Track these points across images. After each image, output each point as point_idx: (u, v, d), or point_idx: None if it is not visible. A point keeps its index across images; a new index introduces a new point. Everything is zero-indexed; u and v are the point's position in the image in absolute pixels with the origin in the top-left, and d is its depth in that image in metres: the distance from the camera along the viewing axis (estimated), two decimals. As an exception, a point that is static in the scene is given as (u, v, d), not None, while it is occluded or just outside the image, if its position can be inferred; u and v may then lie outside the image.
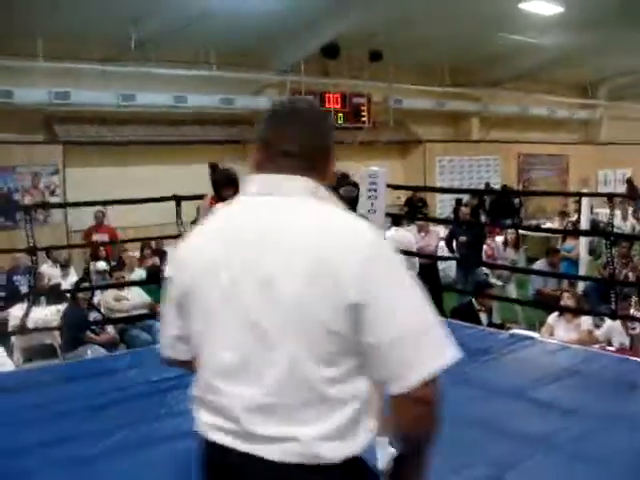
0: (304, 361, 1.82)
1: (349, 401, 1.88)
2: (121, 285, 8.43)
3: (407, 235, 9.68)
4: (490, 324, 8.32)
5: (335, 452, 1.86)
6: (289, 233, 1.87)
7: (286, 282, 1.82)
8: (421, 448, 1.98)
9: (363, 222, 1.96)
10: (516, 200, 16.64)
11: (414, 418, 1.88)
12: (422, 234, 10.49)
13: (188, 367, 2.14)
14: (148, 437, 4.56)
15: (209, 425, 1.99)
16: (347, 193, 5.53)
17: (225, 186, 5.54)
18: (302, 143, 2.00)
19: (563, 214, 15.30)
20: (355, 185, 6.07)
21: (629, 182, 20.63)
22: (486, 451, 4.22)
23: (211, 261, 1.94)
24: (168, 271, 2.13)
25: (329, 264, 1.81)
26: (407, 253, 8.81)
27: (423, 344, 1.86)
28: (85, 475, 4.04)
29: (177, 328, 2.11)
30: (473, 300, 8.63)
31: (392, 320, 1.83)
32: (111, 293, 8.52)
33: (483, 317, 8.40)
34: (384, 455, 2.32)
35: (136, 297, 8.57)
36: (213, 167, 6.46)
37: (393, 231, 9.53)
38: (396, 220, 10.02)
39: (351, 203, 5.50)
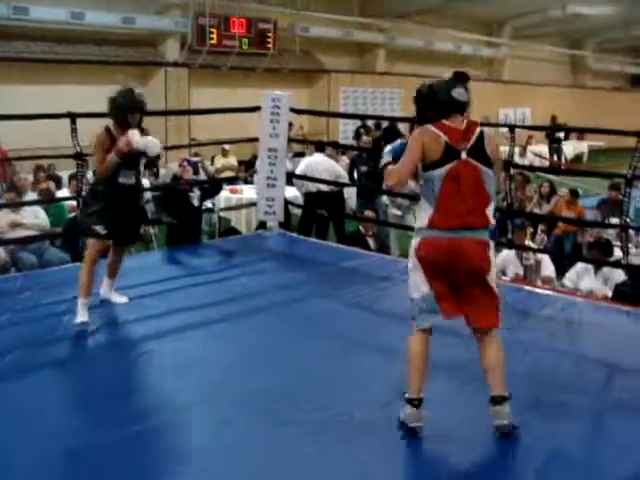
0: None
1: None
2: (11, 205, 8.00)
3: (330, 161, 9.58)
4: (378, 249, 8.47)
5: None
6: None
7: None
8: None
9: None
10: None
11: None
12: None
13: None
14: (43, 360, 4.43)
15: None
16: None
17: (134, 111, 4.93)
18: None
19: None
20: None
21: (553, 119, 21.10)
22: (386, 375, 4.25)
23: None
24: None
25: None
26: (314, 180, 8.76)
27: None
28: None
29: None
30: (360, 226, 8.85)
31: None
32: (5, 218, 8.05)
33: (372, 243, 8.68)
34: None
35: (32, 220, 8.14)
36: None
37: (318, 156, 9.43)
38: (321, 146, 9.87)
39: None
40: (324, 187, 8.97)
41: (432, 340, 3.63)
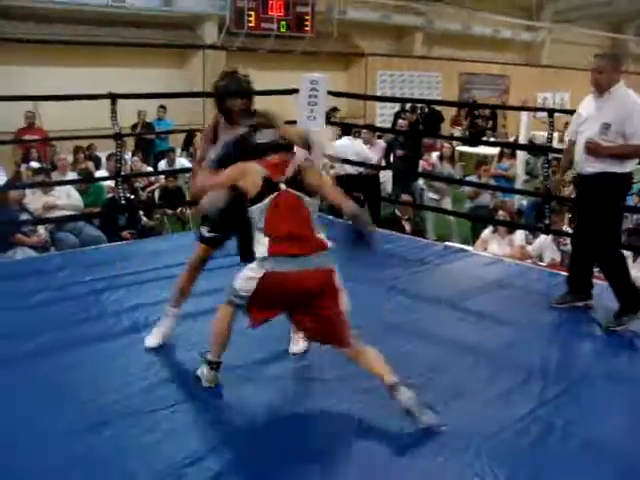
0: None
1: None
2: (51, 184, 8.12)
3: (359, 144, 9.56)
4: (414, 232, 8.52)
5: None
6: None
7: None
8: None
9: None
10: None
11: None
12: (368, 145, 10.34)
13: None
14: (79, 337, 4.50)
15: None
16: None
17: (234, 94, 4.17)
18: None
19: None
20: None
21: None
22: (419, 357, 4.28)
23: None
24: None
25: None
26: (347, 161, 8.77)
27: None
28: (12, 373, 3.97)
29: None
30: (396, 210, 8.93)
31: None
32: (39, 200, 8.17)
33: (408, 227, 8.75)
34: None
35: (66, 201, 8.26)
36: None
37: (346, 140, 9.43)
38: (348, 130, 9.87)
39: None
40: (352, 170, 8.97)
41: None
